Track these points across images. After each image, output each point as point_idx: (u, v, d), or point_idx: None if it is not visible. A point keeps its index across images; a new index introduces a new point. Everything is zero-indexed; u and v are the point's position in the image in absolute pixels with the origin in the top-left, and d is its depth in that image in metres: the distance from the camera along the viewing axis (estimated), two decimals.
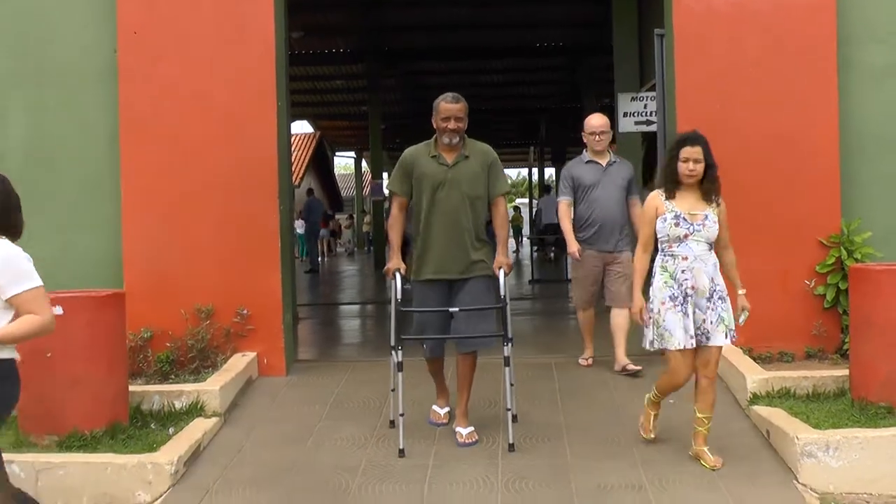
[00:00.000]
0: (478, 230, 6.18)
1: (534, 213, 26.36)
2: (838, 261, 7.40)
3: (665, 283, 5.48)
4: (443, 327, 6.15)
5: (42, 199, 7.80)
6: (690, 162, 5.45)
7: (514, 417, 6.21)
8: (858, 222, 7.50)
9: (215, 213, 7.64)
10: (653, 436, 5.98)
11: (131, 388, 6.63)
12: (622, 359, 7.51)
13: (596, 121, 7.77)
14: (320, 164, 41.77)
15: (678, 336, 5.41)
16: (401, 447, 5.95)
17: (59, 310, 5.90)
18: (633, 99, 11.61)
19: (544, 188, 30.50)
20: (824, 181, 7.54)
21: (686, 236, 5.46)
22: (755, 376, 6.63)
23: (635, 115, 11.29)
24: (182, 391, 6.73)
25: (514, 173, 63.46)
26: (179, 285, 7.60)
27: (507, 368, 6.11)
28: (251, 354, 7.58)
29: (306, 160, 37.96)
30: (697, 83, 7.64)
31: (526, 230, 35.72)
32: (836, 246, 7.44)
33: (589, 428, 6.38)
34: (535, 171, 44.38)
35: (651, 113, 11.00)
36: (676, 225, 5.46)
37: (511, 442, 5.98)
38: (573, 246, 7.63)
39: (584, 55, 20.85)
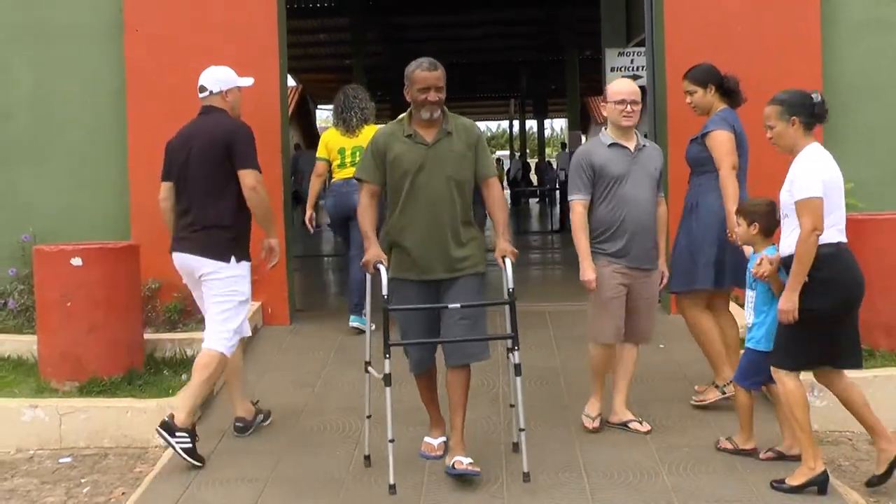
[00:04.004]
0: (465, 217, 5.13)
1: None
2: None
3: None
4: (430, 335, 5.18)
5: (49, 155, 7.98)
6: None
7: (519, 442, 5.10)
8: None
9: None
10: None
11: (144, 336, 6.87)
12: (622, 411, 5.77)
13: (624, 86, 5.70)
14: (303, 118, 41.61)
15: None
16: (391, 483, 4.85)
17: (78, 261, 6.18)
18: (620, 54, 11.84)
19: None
20: None
21: None
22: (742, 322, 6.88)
23: (622, 69, 11.50)
24: (193, 339, 6.93)
25: (493, 126, 63.73)
26: None
27: (517, 378, 4.99)
28: (256, 304, 7.79)
29: (290, 114, 37.79)
30: (687, 37, 7.86)
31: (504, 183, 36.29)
32: None
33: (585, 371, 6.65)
34: (515, 123, 44.70)
35: (638, 68, 11.23)
36: None
37: (526, 471, 4.94)
38: (588, 272, 5.50)
39: (565, 6, 20.92)
